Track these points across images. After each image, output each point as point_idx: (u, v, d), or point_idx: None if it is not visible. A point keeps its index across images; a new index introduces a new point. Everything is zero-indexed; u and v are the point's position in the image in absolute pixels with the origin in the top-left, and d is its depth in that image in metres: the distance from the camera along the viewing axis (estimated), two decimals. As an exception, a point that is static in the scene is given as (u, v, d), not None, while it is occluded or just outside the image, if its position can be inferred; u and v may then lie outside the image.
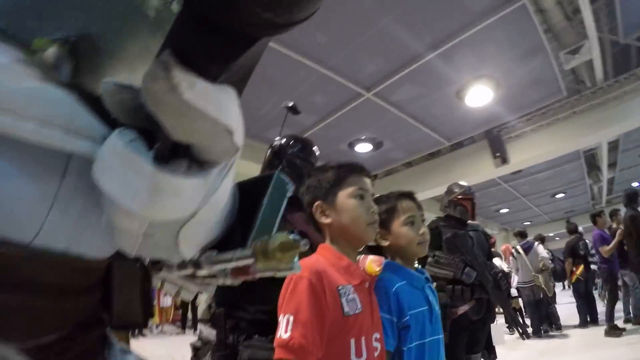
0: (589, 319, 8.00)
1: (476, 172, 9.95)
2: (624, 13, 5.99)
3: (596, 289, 12.26)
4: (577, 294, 8.09)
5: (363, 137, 8.68)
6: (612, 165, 13.22)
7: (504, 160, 9.58)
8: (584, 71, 7.89)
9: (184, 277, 0.70)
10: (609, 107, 8.40)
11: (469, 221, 3.64)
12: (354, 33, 5.60)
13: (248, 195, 0.65)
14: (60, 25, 0.48)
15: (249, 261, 0.52)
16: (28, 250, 0.45)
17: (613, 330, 6.50)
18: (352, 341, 1.28)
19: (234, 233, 0.62)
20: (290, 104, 2.57)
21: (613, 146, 11.58)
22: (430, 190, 10.33)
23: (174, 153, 0.45)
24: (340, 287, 1.32)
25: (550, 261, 7.96)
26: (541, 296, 7.75)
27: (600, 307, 8.10)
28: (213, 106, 0.38)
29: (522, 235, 8.36)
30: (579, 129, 8.89)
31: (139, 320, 0.73)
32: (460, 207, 3.60)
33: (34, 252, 0.46)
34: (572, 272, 8.19)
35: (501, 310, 3.53)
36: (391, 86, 6.91)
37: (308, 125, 7.68)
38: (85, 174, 0.47)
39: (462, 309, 3.11)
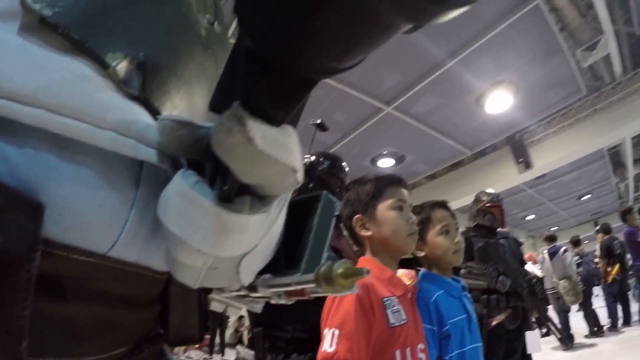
0: (622, 321, 7.86)
1: (500, 179, 9.92)
2: (639, 3, 6.03)
3: (629, 289, 11.99)
4: (611, 295, 7.90)
5: (385, 152, 8.76)
6: (637, 161, 13.02)
7: (528, 165, 9.54)
8: (603, 67, 7.89)
9: (235, 297, 0.71)
10: (630, 101, 8.33)
11: (499, 229, 3.63)
12: (371, 48, 5.68)
13: (293, 215, 0.64)
14: (130, 41, 0.50)
15: (310, 286, 0.53)
16: (105, 260, 0.47)
17: None
18: (398, 353, 1.29)
19: (279, 254, 0.63)
20: (318, 121, 2.60)
21: (637, 141, 11.43)
22: (455, 201, 10.02)
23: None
24: (385, 299, 1.34)
25: (573, 268, 7.67)
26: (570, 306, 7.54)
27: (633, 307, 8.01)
28: (282, 151, 0.40)
29: (551, 239, 8.08)
30: (601, 127, 8.82)
31: (195, 334, 0.73)
32: (490, 215, 3.59)
33: (110, 262, 0.48)
34: (607, 273, 7.96)
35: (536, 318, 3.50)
36: (410, 98, 7.00)
37: (330, 144, 7.78)
38: (155, 183, 0.49)
39: (498, 318, 3.10)
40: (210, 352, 10.84)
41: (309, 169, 2.31)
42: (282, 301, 0.62)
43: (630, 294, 9.33)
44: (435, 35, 5.73)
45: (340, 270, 0.49)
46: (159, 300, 0.65)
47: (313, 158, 2.36)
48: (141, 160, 0.47)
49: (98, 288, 0.48)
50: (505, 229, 3.77)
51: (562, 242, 8.58)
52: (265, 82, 0.37)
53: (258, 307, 0.77)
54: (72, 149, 0.43)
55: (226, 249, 0.45)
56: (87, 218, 0.44)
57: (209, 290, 0.70)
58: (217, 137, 0.38)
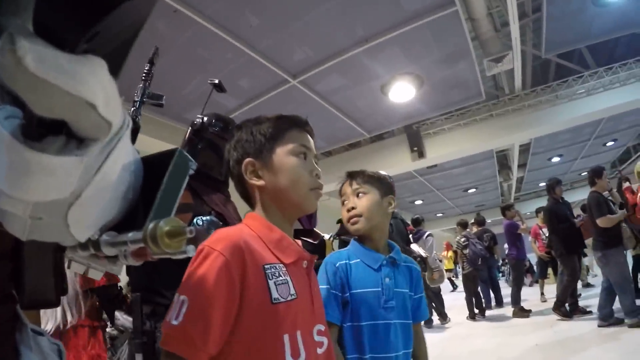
0: (494, 303, 8.75)
1: (394, 164, 10.34)
2: (549, 32, 6.49)
3: (504, 275, 13.17)
4: (481, 280, 8.68)
5: (285, 124, 8.69)
6: (522, 166, 14.26)
7: (421, 155, 10.10)
8: (504, 79, 8.48)
9: (90, 257, 0.64)
10: (524, 113, 9.10)
11: None
12: (287, 19, 5.63)
13: (151, 171, 0.63)
14: None
15: (141, 245, 0.51)
16: None
17: (521, 312, 7.19)
18: (286, 337, 1.01)
19: (137, 211, 0.60)
20: (217, 81, 2.46)
21: (524, 149, 12.46)
22: None
23: (53, 130, 0.43)
24: (267, 266, 1.05)
25: (433, 253, 8.01)
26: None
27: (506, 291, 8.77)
28: (67, 78, 0.36)
29: (416, 223, 8.17)
30: (495, 131, 9.57)
31: (51, 297, 0.68)
32: None
33: None
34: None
35: None
36: (318, 75, 7.03)
37: (231, 108, 7.59)
38: None
39: None
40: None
41: (200, 129, 2.21)
42: (130, 262, 0.60)
43: (504, 279, 10.32)
44: (351, 19, 5.78)
45: (166, 229, 0.47)
46: (9, 258, 0.61)
47: (206, 119, 2.24)
48: None
49: None
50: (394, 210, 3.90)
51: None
52: (49, 1, 0.35)
53: (117, 269, 0.71)
54: None
55: (30, 192, 0.42)
56: None
57: (63, 249, 0.64)
58: None
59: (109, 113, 0.42)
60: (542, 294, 8.57)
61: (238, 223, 1.27)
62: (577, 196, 16.68)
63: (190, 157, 0.66)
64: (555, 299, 6.40)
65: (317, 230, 3.18)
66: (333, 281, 1.57)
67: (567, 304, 6.28)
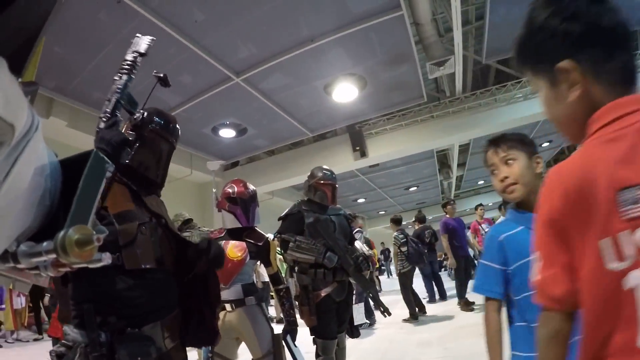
0: (437, 296, 8.95)
1: (336, 163, 10.42)
2: (490, 39, 6.74)
3: (446, 270, 13.53)
4: (424, 275, 8.91)
5: (227, 123, 8.70)
6: (461, 165, 14.79)
7: (363, 154, 10.31)
8: (446, 82, 8.77)
9: (12, 270, 0.60)
10: (464, 115, 9.44)
11: (331, 205, 3.73)
12: (232, 16, 5.60)
13: (70, 174, 0.60)
14: None
15: (54, 255, 0.48)
16: None
17: (465, 306, 7.39)
18: None
19: (59, 217, 0.57)
20: (162, 74, 2.33)
21: (464, 149, 12.95)
22: (291, 178, 11.05)
23: None
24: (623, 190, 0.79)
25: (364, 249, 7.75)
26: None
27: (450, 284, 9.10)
28: None
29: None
30: (435, 132, 9.90)
31: None
32: (321, 192, 3.65)
33: None
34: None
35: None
36: (261, 74, 7.03)
37: (172, 105, 7.47)
38: None
39: (325, 291, 3.34)
40: (39, 332, 9.72)
41: (140, 125, 2.02)
42: (51, 272, 0.55)
43: (446, 273, 10.57)
44: (297, 19, 5.83)
45: (75, 237, 0.45)
46: None
47: (146, 114, 2.05)
48: None
49: None
50: (338, 206, 3.87)
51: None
52: None
53: (43, 281, 0.68)
54: None
55: None
56: None
57: None
58: None
59: (10, 115, 0.39)
60: None
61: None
62: (514, 195, 17.42)
63: (106, 158, 0.64)
64: None
65: (259, 231, 3.17)
66: (497, 257, 1.61)
67: None
